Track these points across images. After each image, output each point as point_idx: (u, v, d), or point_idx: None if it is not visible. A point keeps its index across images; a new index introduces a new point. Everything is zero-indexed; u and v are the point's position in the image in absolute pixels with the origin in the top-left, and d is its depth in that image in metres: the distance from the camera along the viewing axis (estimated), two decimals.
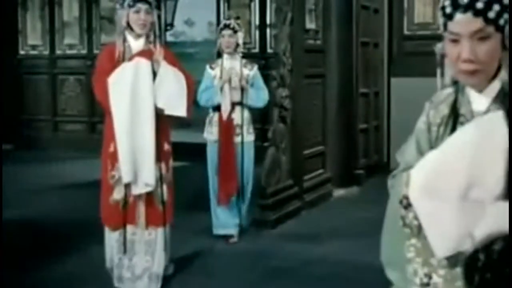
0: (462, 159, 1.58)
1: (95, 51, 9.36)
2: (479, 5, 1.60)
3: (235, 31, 5.17)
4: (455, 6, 1.62)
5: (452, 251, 1.59)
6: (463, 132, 1.64)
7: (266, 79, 5.73)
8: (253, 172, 5.34)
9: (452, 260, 1.61)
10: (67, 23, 10.16)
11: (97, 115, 9.06)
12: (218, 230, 5.26)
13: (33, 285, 4.31)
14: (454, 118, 1.73)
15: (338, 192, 7.05)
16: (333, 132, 7.13)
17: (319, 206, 6.50)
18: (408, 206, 1.67)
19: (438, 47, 1.73)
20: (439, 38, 1.74)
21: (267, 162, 5.81)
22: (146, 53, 4.05)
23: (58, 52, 10.29)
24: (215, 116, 5.18)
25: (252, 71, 5.23)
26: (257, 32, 9.18)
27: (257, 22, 9.15)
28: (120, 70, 3.96)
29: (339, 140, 7.22)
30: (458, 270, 1.60)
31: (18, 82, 10.45)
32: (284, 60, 6.03)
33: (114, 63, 4.03)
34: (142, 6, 4.01)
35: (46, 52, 10.36)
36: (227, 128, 5.12)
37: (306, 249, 5.05)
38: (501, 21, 1.61)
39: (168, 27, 11.31)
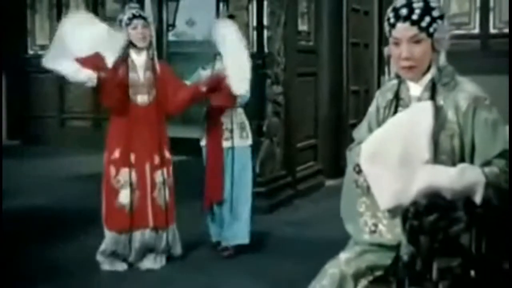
0: (399, 134, 2.08)
1: None
2: (414, 17, 2.11)
3: None
4: (397, 17, 2.14)
5: (393, 204, 2.07)
6: (400, 114, 2.15)
7: (263, 77, 6.00)
8: (250, 185, 4.87)
9: (392, 212, 2.09)
10: None
11: (102, 112, 9.40)
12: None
13: (42, 266, 4.56)
14: (396, 102, 2.24)
15: (329, 183, 7.35)
16: (325, 126, 7.47)
17: (311, 195, 6.85)
18: (359, 171, 2.16)
19: (386, 49, 2.23)
20: None
21: (262, 153, 6.15)
22: None
23: None
24: (205, 122, 4.84)
25: None
26: (255, 33, 9.54)
27: (255, 23, 9.51)
28: None
29: (330, 134, 7.54)
30: (397, 220, 2.09)
31: (27, 81, 10.65)
32: (278, 60, 6.42)
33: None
34: (138, 22, 4.42)
35: None
36: (214, 132, 4.75)
37: (297, 232, 5.45)
38: (431, 29, 2.12)
39: (170, 27, 11.65)
